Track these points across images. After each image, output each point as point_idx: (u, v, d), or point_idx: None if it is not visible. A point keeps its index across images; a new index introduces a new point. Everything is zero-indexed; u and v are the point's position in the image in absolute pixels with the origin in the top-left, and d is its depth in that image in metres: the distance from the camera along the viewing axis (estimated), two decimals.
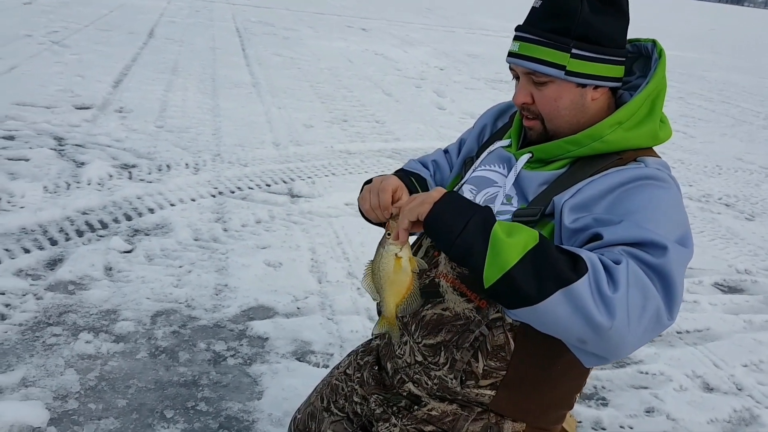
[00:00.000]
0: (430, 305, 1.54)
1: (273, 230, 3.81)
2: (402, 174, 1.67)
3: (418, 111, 7.35)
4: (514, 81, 1.47)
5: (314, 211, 4.16)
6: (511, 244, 1.17)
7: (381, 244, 1.28)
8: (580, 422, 2.49)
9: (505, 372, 1.50)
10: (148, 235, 3.56)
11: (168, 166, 4.62)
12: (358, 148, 5.68)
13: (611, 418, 2.51)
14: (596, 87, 1.42)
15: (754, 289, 3.81)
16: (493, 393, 1.52)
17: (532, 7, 1.42)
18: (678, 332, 3.22)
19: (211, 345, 2.67)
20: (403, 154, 5.58)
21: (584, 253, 1.19)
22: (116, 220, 3.69)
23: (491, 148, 1.59)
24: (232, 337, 2.75)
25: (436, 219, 1.24)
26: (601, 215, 1.29)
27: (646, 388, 2.75)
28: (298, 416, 1.97)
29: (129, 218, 3.74)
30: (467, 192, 1.56)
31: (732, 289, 3.79)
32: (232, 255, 3.43)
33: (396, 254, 1.26)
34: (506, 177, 1.51)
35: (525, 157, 1.48)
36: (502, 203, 1.48)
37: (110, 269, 3.16)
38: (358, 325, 2.94)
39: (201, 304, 2.95)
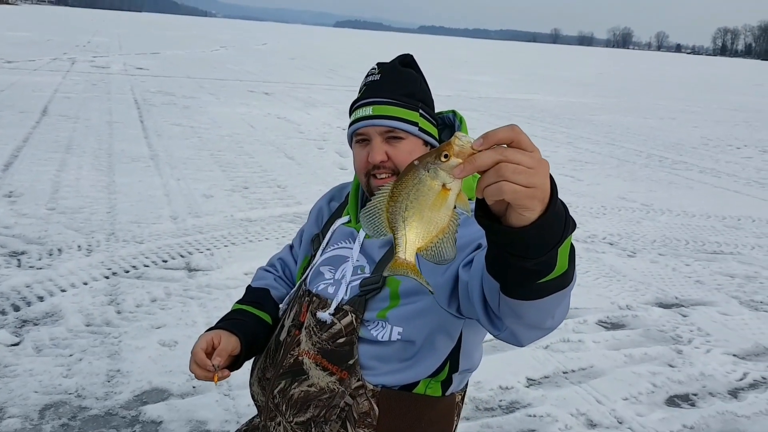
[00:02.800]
0: (296, 383, 1.62)
1: (168, 308, 3.79)
2: (231, 321, 1.75)
3: (320, 173, 7.50)
4: (357, 146, 1.62)
5: (212, 284, 4.17)
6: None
7: (423, 164, 0.93)
8: None
9: None
10: (36, 324, 3.47)
11: (59, 249, 4.53)
12: (259, 215, 5.74)
13: None
14: (429, 146, 1.62)
15: (634, 324, 4.07)
16: None
17: (371, 81, 1.61)
18: (564, 372, 3.40)
19: None
20: (303, 218, 5.67)
21: None
22: (3, 312, 3.59)
23: (333, 227, 1.73)
24: (124, 424, 2.71)
25: (555, 197, 0.96)
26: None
27: (533, 431, 2.88)
28: None
29: (17, 309, 3.64)
30: (326, 272, 1.68)
31: (614, 326, 4.03)
32: (125, 338, 3.39)
33: (444, 184, 0.93)
34: (352, 249, 1.63)
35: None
36: (355, 273, 1.61)
37: None
38: (247, 398, 2.96)
39: (92, 393, 2.90)
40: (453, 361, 1.63)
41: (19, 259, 4.32)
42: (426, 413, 1.64)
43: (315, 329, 1.61)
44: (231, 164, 7.58)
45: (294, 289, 1.83)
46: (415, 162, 0.94)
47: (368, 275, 1.58)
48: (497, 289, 1.16)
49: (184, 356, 3.27)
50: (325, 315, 1.60)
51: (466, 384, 1.77)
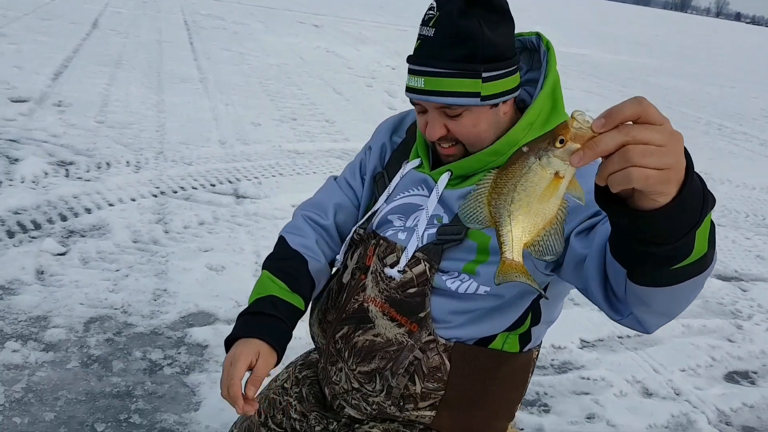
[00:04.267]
0: (360, 331, 1.49)
1: (216, 232, 3.72)
2: (266, 321, 1.49)
3: (369, 111, 7.31)
4: (416, 108, 1.38)
5: (260, 213, 4.08)
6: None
7: (533, 152, 0.81)
8: (522, 429, 2.49)
9: (443, 392, 1.47)
10: (83, 236, 3.42)
11: (108, 163, 4.47)
12: (306, 148, 5.61)
13: (552, 425, 2.52)
14: (514, 90, 1.39)
15: None
16: (433, 414, 1.50)
17: (424, 37, 1.32)
18: (619, 337, 3.26)
19: (147, 353, 2.57)
20: (351, 155, 5.53)
21: None
22: (50, 221, 3.54)
23: (402, 171, 1.52)
24: (169, 344, 2.66)
25: (691, 173, 0.82)
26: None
27: (587, 393, 2.77)
28: (234, 431, 1.92)
29: (64, 219, 3.59)
30: (396, 220, 1.51)
31: None
32: (172, 258, 3.33)
33: (557, 172, 0.80)
34: (428, 198, 1.45)
35: (445, 177, 1.42)
36: (430, 223, 1.44)
37: (42, 273, 3.02)
38: (301, 331, 2.86)
39: (138, 310, 2.85)
40: (534, 312, 1.48)
41: (67, 169, 4.27)
42: (501, 370, 1.51)
43: (382, 275, 1.47)
44: (279, 94, 7.42)
45: (353, 231, 1.67)
46: (524, 148, 0.81)
47: (446, 223, 1.40)
48: (623, 274, 1.01)
49: (232, 282, 3.20)
50: (393, 272, 1.44)
51: (541, 341, 1.63)
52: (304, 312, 1.57)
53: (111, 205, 3.84)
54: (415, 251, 1.41)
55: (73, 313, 2.75)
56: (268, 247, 3.64)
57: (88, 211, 3.73)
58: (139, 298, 2.94)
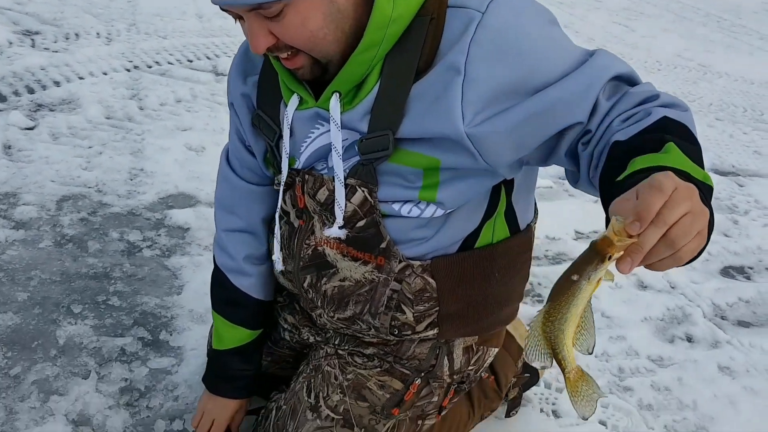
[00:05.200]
0: (325, 279, 1.31)
1: (195, 111, 3.49)
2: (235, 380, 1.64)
3: None
4: (237, 22, 1.09)
5: None
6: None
7: (583, 277, 0.85)
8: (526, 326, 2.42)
9: (438, 309, 1.33)
10: (53, 110, 3.19)
11: (76, 34, 4.14)
12: None
13: None
14: None
15: None
16: (435, 331, 1.36)
17: None
18: None
19: (124, 234, 2.43)
20: None
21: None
22: (16, 93, 3.29)
23: (287, 119, 1.22)
24: (148, 226, 2.51)
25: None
26: (539, 101, 1.03)
27: None
28: None
29: (31, 91, 3.34)
30: (319, 164, 1.25)
31: None
32: (148, 136, 3.12)
33: (599, 278, 0.87)
34: (329, 133, 1.18)
35: (335, 102, 1.13)
36: (348, 152, 1.18)
37: (9, 147, 2.82)
38: None
39: (113, 190, 2.68)
40: (507, 185, 1.28)
41: (33, 39, 3.95)
42: (497, 262, 1.34)
43: (324, 213, 1.26)
44: None
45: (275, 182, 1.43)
46: (573, 277, 0.85)
47: (365, 136, 1.13)
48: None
49: (213, 163, 2.99)
50: (335, 231, 1.23)
51: (536, 211, 1.47)
52: (260, 331, 1.63)
53: (81, 78, 3.58)
54: (346, 179, 1.19)
55: (44, 191, 2.57)
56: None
57: (57, 84, 3.46)
58: (114, 177, 2.76)
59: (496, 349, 1.54)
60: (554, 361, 0.94)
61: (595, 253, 0.83)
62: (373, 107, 1.11)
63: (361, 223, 1.22)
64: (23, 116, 3.04)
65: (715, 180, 3.93)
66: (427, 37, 1.06)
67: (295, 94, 1.19)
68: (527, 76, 1.03)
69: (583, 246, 2.93)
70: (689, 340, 2.46)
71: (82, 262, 2.24)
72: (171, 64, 4.01)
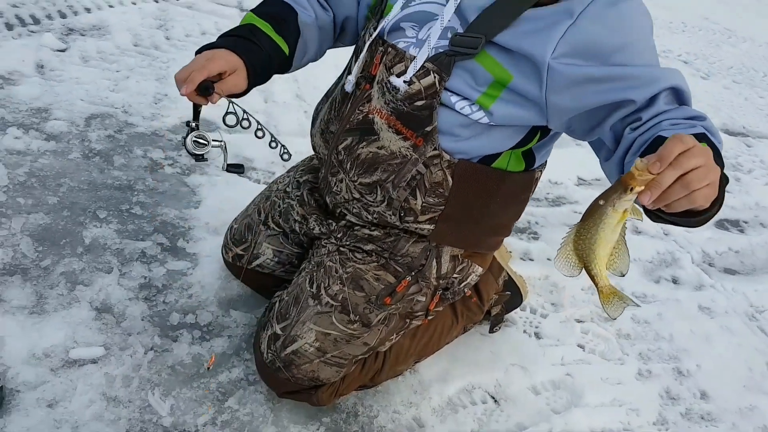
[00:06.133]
0: (364, 143, 1.47)
1: None
2: (242, 37, 1.44)
3: None
4: None
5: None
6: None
7: (609, 202, 1.00)
8: (510, 252, 2.56)
9: (443, 207, 1.48)
10: (83, 35, 3.32)
11: None
12: None
13: (539, 251, 2.60)
14: None
15: None
16: (432, 227, 1.52)
17: None
18: None
19: (148, 152, 2.58)
20: None
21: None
22: (49, 17, 3.42)
23: None
24: (170, 146, 2.66)
25: (715, 208, 1.08)
26: (612, 70, 1.22)
27: None
28: (235, 226, 1.97)
29: (63, 16, 3.47)
30: (409, 30, 1.41)
31: None
32: (173, 65, 3.25)
33: (625, 210, 1.01)
34: (444, 6, 1.35)
35: None
36: (443, 37, 1.35)
37: (42, 67, 2.96)
38: (303, 147, 2.87)
39: (139, 111, 2.83)
40: (543, 130, 1.47)
41: None
42: (502, 187, 1.50)
43: (389, 86, 1.41)
44: None
45: (360, 34, 1.61)
46: (600, 202, 1.01)
47: (461, 33, 1.31)
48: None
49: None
50: (398, 82, 1.38)
51: (546, 161, 1.62)
52: (287, 58, 1.49)
53: (111, 6, 3.69)
54: (425, 61, 1.36)
55: (74, 108, 2.73)
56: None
57: (88, 10, 3.59)
58: (140, 99, 2.91)
59: (481, 269, 1.70)
60: (584, 272, 1.11)
61: (620, 184, 0.98)
62: (487, 8, 1.29)
63: (419, 103, 1.37)
64: (55, 39, 3.18)
65: (724, 139, 4.00)
66: None
67: None
68: (617, 49, 1.22)
69: (583, 191, 3.06)
70: (675, 281, 2.59)
71: (108, 174, 2.40)
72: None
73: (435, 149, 1.41)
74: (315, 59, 1.65)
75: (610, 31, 1.22)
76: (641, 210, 1.06)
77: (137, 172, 2.46)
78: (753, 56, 5.87)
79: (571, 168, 3.25)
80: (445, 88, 1.34)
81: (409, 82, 1.37)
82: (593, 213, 1.03)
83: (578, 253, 1.08)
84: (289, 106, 3.19)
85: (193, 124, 1.68)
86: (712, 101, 4.57)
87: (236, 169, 1.82)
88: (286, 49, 1.49)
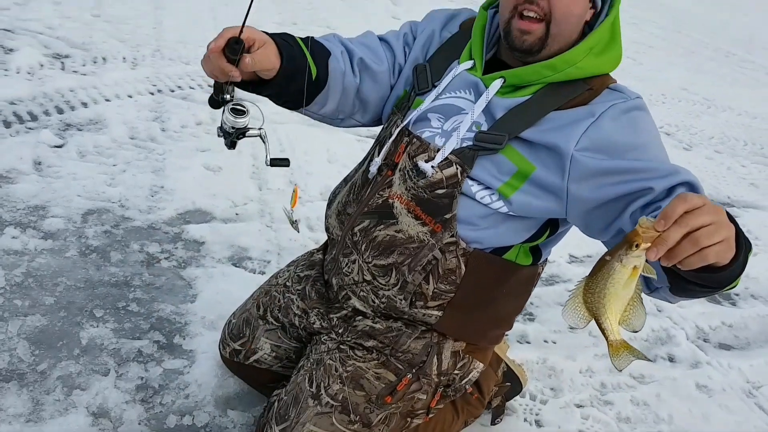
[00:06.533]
0: (382, 226, 1.52)
1: (213, 133, 3.63)
2: (281, 37, 1.46)
3: (371, 19, 7.13)
4: None
5: (258, 115, 4.04)
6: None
7: (615, 258, 1.02)
8: (507, 342, 2.57)
9: (453, 294, 1.52)
10: (80, 130, 3.40)
11: (104, 58, 4.38)
12: None
13: (536, 333, 2.61)
14: (592, 6, 1.43)
15: None
16: (440, 314, 1.54)
17: None
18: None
19: (144, 246, 2.61)
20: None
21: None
22: (47, 113, 3.51)
23: (453, 72, 1.51)
24: (166, 239, 2.70)
25: (736, 267, 1.08)
26: (632, 163, 1.30)
27: None
28: (233, 321, 1.98)
29: (61, 111, 3.56)
30: (435, 121, 1.51)
31: None
32: (169, 156, 3.33)
33: (635, 266, 1.03)
34: (474, 103, 1.45)
35: (497, 84, 1.43)
36: (470, 129, 1.44)
37: (40, 163, 3.03)
38: (297, 234, 2.92)
39: (135, 205, 2.87)
40: (553, 226, 1.53)
41: (63, 62, 4.19)
42: (510, 279, 1.57)
43: (411, 173, 1.48)
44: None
45: (384, 126, 1.69)
46: (606, 257, 1.04)
47: (485, 130, 1.42)
48: (666, 285, 1.20)
49: (229, 182, 3.22)
50: (427, 167, 1.45)
51: (548, 258, 1.68)
52: (312, 82, 1.48)
53: (108, 100, 3.80)
54: (449, 155, 1.44)
55: (71, 204, 2.77)
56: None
57: (85, 105, 3.69)
58: (136, 193, 2.96)
59: (482, 365, 1.72)
60: (592, 324, 1.14)
61: (625, 240, 1.00)
62: (513, 108, 1.40)
63: (440, 191, 1.44)
64: (53, 135, 3.26)
65: None
66: (578, 96, 1.39)
67: (473, 60, 1.50)
68: (634, 147, 1.33)
69: (576, 269, 3.09)
70: (671, 359, 2.60)
71: (104, 271, 2.42)
72: (192, 89, 4.24)
73: (452, 236, 1.46)
74: (331, 118, 1.67)
75: (628, 132, 1.34)
76: (654, 268, 1.08)
77: (134, 268, 2.48)
78: (733, 125, 6.04)
79: (563, 245, 3.28)
80: (468, 177, 1.41)
81: (435, 170, 1.44)
82: (601, 268, 1.06)
83: (587, 305, 1.10)
84: (283, 193, 3.25)
85: (227, 95, 1.46)
86: (696, 172, 4.61)
87: (281, 162, 1.56)
88: (314, 70, 1.49)
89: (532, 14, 1.37)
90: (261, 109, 1.51)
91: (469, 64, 1.51)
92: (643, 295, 1.12)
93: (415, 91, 1.60)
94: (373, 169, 1.58)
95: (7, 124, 3.29)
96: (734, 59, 9.29)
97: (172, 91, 4.14)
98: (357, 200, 1.60)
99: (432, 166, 1.46)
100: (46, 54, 4.25)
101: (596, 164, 1.33)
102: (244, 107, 1.45)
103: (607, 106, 1.37)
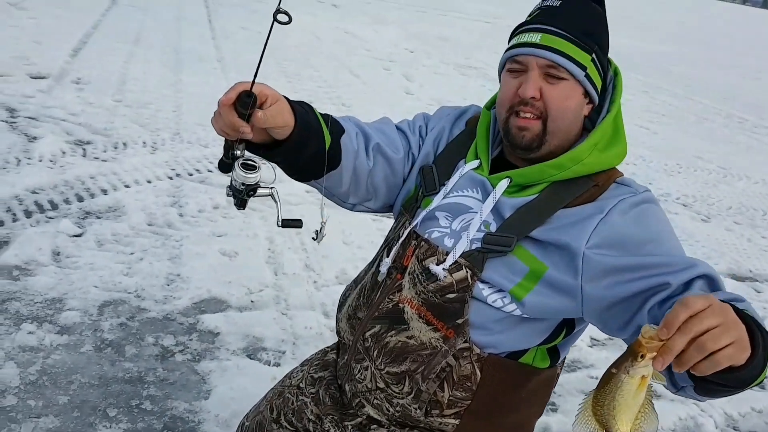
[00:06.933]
0: (393, 332, 1.49)
1: (230, 217, 3.73)
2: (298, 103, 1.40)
3: (386, 94, 7.28)
4: (508, 75, 1.40)
5: (274, 197, 4.08)
6: None
7: (622, 370, 1.01)
8: None
9: (470, 402, 1.47)
10: (99, 218, 3.45)
11: (124, 143, 4.49)
12: None
13: (559, 424, 2.53)
14: (589, 102, 1.42)
15: None
16: (456, 422, 1.50)
17: (549, 6, 1.39)
18: None
19: (159, 339, 2.60)
20: None
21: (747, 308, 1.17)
22: (67, 201, 3.57)
23: (460, 171, 1.51)
24: (181, 331, 2.69)
25: (756, 364, 1.01)
26: (646, 258, 1.27)
27: None
28: (246, 423, 1.93)
29: (81, 199, 3.62)
30: (442, 218, 1.50)
31: None
32: (186, 242, 3.35)
33: (643, 375, 1.01)
34: (482, 202, 1.44)
35: (504, 184, 1.42)
36: (479, 230, 1.44)
37: (58, 254, 3.06)
38: (313, 321, 2.90)
39: (151, 295, 2.88)
40: (569, 326, 1.49)
41: (84, 149, 4.29)
42: (528, 384, 1.51)
43: (421, 277, 1.46)
44: (297, 76, 7.40)
45: (393, 226, 1.68)
46: (613, 370, 1.02)
47: (493, 232, 1.40)
48: (690, 384, 1.14)
49: (244, 268, 3.22)
50: (438, 269, 1.43)
51: (565, 357, 1.64)
52: (323, 153, 1.42)
53: (127, 186, 3.87)
54: (457, 258, 1.40)
55: (88, 296, 2.78)
56: (281, 232, 3.67)
57: (104, 192, 3.75)
58: (152, 282, 2.97)
59: None
60: None
61: (630, 352, 0.98)
62: (521, 208, 1.38)
63: (450, 296, 1.39)
64: (72, 224, 3.31)
65: (732, 286, 4.00)
66: (585, 193, 1.37)
67: (479, 159, 1.49)
68: (647, 241, 1.28)
69: (598, 353, 3.03)
70: None
71: (119, 367, 2.41)
72: (210, 171, 4.31)
73: (465, 342, 1.42)
74: (341, 200, 1.62)
75: (639, 226, 1.31)
76: (664, 375, 1.03)
77: (148, 362, 2.47)
78: (750, 195, 6.00)
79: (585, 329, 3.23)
80: (479, 280, 1.39)
81: (445, 273, 1.42)
82: (608, 380, 1.03)
83: (598, 418, 1.07)
84: (299, 278, 3.25)
85: (237, 152, 1.34)
86: (716, 245, 4.62)
87: (294, 223, 1.46)
88: (327, 139, 1.43)
89: (528, 114, 1.37)
90: (273, 167, 1.42)
91: (475, 163, 1.50)
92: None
93: (423, 192, 1.60)
94: (383, 270, 1.56)
95: (29, 214, 3.35)
96: (747, 125, 9.32)
97: (190, 174, 4.21)
98: (367, 304, 1.57)
99: (443, 268, 1.44)
100: (68, 141, 4.37)
101: (609, 261, 1.30)
102: (255, 162, 1.35)
103: (615, 201, 1.34)
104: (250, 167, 1.34)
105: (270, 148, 1.39)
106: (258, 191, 1.38)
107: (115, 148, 4.40)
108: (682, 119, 8.91)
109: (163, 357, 2.51)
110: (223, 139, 1.34)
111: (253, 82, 1.26)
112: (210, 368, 2.49)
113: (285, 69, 7.58)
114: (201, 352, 2.58)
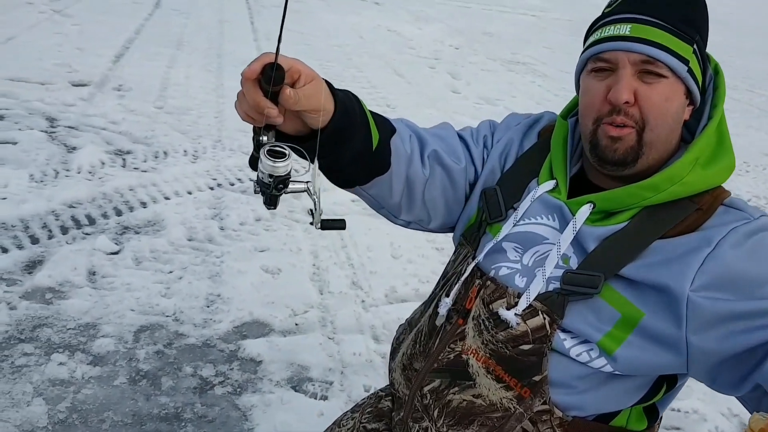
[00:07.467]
0: (457, 388, 1.24)
1: (273, 230, 3.54)
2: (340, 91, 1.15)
3: (431, 94, 7.03)
4: (592, 76, 1.14)
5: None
6: None
7: None
8: None
9: None
10: (138, 233, 3.30)
11: (165, 152, 4.35)
12: None
13: None
14: (690, 103, 1.15)
15: None
16: None
17: None
18: None
19: (198, 369, 2.41)
20: None
21: None
22: (105, 215, 3.43)
23: (532, 194, 1.24)
24: (222, 359, 2.49)
25: None
26: (766, 302, 1.04)
27: (678, 429, 2.48)
28: None
29: (119, 213, 3.48)
30: (511, 251, 1.24)
31: None
32: (227, 259, 3.17)
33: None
34: (559, 232, 1.19)
35: (586, 210, 1.16)
36: (557, 266, 1.18)
37: (94, 274, 2.90)
38: (361, 346, 2.68)
39: (190, 318, 2.70)
40: (670, 380, 1.22)
41: (124, 159, 4.16)
42: None
43: (488, 324, 1.21)
44: (340, 77, 7.19)
45: (452, 259, 1.43)
46: None
47: (574, 269, 1.14)
48: None
49: (288, 287, 3.02)
50: (509, 315, 1.17)
51: (666, 408, 1.37)
52: (372, 148, 1.19)
53: (167, 198, 3.71)
54: (532, 301, 1.15)
55: (123, 321, 2.61)
56: (326, 246, 3.46)
57: (144, 204, 3.60)
58: (191, 304, 2.79)
59: None
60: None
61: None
62: (607, 239, 1.12)
63: (525, 347, 1.15)
64: (109, 240, 3.16)
65: None
66: (686, 219, 1.12)
67: (554, 180, 1.23)
68: (763, 280, 1.04)
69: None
70: None
71: (154, 402, 2.23)
72: (252, 180, 4.12)
73: (544, 403, 1.16)
74: (394, 216, 1.38)
75: (757, 262, 1.05)
76: None
77: (185, 396, 2.28)
78: None
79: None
80: (559, 329, 1.14)
81: (519, 318, 1.16)
82: None
83: None
84: (345, 297, 3.03)
85: (264, 138, 1.06)
86: None
87: (336, 224, 1.18)
88: (375, 137, 1.20)
89: (621, 123, 1.11)
90: (306, 154, 1.09)
91: (550, 184, 1.23)
92: None
93: (486, 220, 1.32)
94: (442, 311, 1.31)
95: (65, 230, 3.21)
96: None
97: (232, 184, 4.03)
98: (424, 353, 1.32)
99: (515, 314, 1.17)
100: (107, 151, 4.24)
101: (721, 307, 1.04)
102: (284, 149, 1.05)
103: (725, 230, 1.07)
104: (279, 154, 1.05)
105: (305, 140, 1.10)
106: (290, 185, 1.08)
107: (156, 157, 4.26)
108: (746, 113, 8.41)
109: (201, 390, 2.32)
110: (252, 129, 1.05)
111: (278, 51, 0.96)
112: (252, 402, 2.29)
113: (327, 71, 7.38)
114: (242, 384, 2.38)
